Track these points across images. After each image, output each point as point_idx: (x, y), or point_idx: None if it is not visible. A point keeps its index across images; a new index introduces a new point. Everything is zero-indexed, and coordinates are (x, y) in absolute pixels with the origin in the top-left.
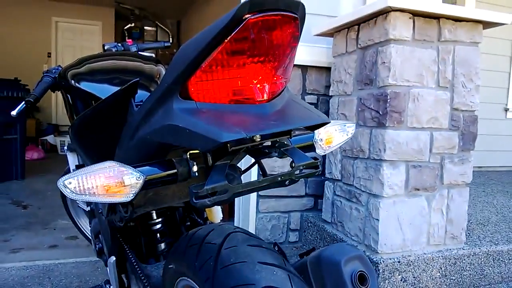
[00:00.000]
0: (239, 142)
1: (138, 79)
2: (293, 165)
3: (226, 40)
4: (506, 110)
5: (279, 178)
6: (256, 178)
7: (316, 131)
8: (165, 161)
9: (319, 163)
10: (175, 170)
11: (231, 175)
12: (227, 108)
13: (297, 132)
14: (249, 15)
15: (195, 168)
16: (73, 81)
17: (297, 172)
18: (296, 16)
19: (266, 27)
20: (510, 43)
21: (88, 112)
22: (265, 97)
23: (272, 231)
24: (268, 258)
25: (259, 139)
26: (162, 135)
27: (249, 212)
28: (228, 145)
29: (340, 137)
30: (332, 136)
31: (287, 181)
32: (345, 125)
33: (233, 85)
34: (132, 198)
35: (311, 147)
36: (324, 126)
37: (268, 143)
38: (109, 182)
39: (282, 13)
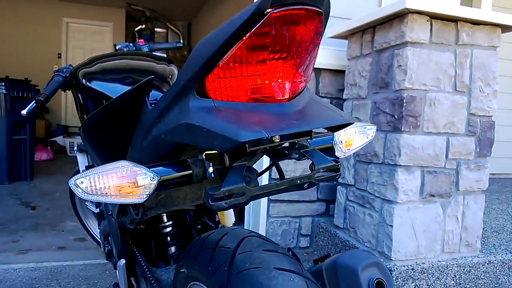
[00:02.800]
0: (257, 142)
1: (152, 76)
2: (313, 167)
3: (246, 36)
4: None
5: (298, 181)
6: (267, 181)
7: (336, 133)
8: (180, 162)
9: (339, 166)
10: (190, 171)
11: (248, 177)
12: (246, 107)
13: (316, 134)
14: (271, 9)
15: (211, 169)
16: (84, 80)
17: (317, 175)
18: (320, 10)
19: (288, 22)
20: None
21: (100, 110)
22: (286, 96)
23: (282, 236)
24: (284, 263)
25: (279, 140)
26: (178, 134)
27: (259, 216)
28: (247, 145)
29: (360, 140)
30: (352, 139)
31: (306, 184)
32: (365, 127)
33: (252, 82)
34: (145, 199)
35: (330, 150)
36: (344, 128)
37: (286, 144)
38: (122, 182)
39: (306, 7)
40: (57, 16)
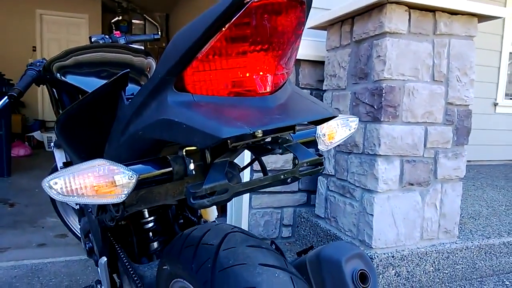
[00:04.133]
0: (239, 138)
1: (128, 70)
2: (297, 162)
3: (225, 26)
4: (495, 104)
5: (282, 176)
6: (249, 173)
7: (318, 126)
8: (160, 159)
9: (323, 160)
10: (170, 169)
11: (230, 173)
12: (226, 101)
13: (298, 127)
14: None
15: (191, 166)
16: (58, 74)
17: (301, 169)
18: (303, 0)
19: (270, 11)
20: (500, 38)
21: (75, 106)
22: (268, 89)
23: (265, 226)
24: (269, 259)
25: (261, 135)
26: (156, 130)
27: (242, 208)
28: (229, 141)
29: (343, 132)
30: (334, 132)
31: (289, 179)
32: (348, 120)
33: (233, 75)
34: (124, 199)
35: (313, 143)
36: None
37: (269, 138)
38: (99, 182)
39: None
40: (30, 8)
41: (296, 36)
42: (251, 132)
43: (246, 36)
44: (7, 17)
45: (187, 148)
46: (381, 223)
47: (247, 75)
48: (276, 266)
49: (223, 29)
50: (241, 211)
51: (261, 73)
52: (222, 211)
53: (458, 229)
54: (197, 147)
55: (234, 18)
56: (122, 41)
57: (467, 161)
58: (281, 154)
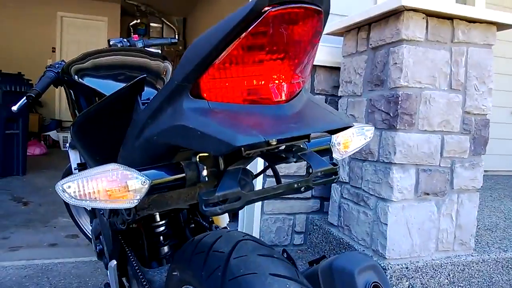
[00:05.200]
0: (254, 145)
1: (145, 75)
2: (311, 170)
3: (242, 35)
4: None
5: (295, 185)
6: (262, 179)
7: (333, 135)
8: (173, 164)
9: (337, 169)
10: (183, 175)
11: (243, 181)
12: (242, 109)
13: (312, 135)
14: (269, 8)
15: (205, 173)
16: (76, 77)
17: (315, 178)
18: (320, 9)
19: (287, 21)
20: None
21: (91, 109)
22: (283, 97)
23: (277, 233)
24: (280, 269)
25: (275, 143)
26: (171, 136)
27: (253, 213)
28: (243, 148)
29: (358, 141)
30: (350, 140)
31: (303, 188)
32: (363, 129)
33: (248, 83)
34: (136, 203)
35: (328, 151)
36: None
37: (283, 146)
38: (112, 186)
39: (305, 5)
40: (52, 10)
41: (312, 45)
42: (265, 140)
43: (262, 45)
44: (29, 19)
45: (200, 154)
46: (395, 233)
47: (263, 83)
48: (287, 276)
49: (240, 37)
50: (253, 217)
51: (277, 81)
52: (234, 216)
53: (475, 241)
54: (212, 154)
55: (251, 27)
56: (139, 44)
57: (485, 171)
58: (295, 162)
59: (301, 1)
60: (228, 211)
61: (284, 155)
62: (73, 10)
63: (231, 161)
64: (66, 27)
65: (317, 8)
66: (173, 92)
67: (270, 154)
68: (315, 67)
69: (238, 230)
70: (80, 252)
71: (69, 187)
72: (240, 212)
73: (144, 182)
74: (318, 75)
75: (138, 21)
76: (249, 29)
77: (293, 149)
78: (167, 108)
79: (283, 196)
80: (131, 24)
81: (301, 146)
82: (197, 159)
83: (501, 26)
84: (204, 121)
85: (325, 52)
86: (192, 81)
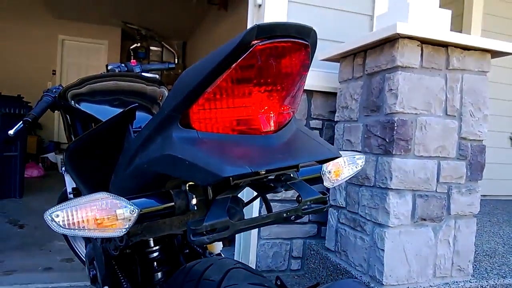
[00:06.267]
0: (242, 175)
1: (136, 104)
2: (300, 199)
3: (231, 67)
4: (511, 138)
5: (285, 215)
6: (259, 204)
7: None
8: (162, 193)
9: (327, 198)
10: (173, 203)
11: (232, 209)
12: (230, 139)
13: (303, 164)
14: (257, 41)
15: (194, 201)
16: (73, 102)
17: (304, 207)
18: (307, 43)
19: (274, 54)
20: None
21: (84, 137)
22: (272, 127)
23: (273, 258)
24: None
25: (264, 173)
26: (160, 165)
27: (250, 238)
28: (231, 178)
29: (349, 170)
30: (341, 169)
31: (293, 217)
32: (354, 157)
33: (237, 114)
34: (125, 232)
35: (318, 179)
36: None
37: (272, 176)
38: (101, 215)
39: (292, 40)
40: (53, 33)
41: (300, 77)
42: (252, 171)
43: (251, 78)
44: (31, 41)
45: (190, 183)
46: (392, 259)
47: (252, 114)
48: None
49: (229, 69)
50: (250, 242)
51: (265, 112)
52: (231, 241)
53: (473, 267)
54: (199, 184)
55: (240, 60)
56: (137, 69)
57: (483, 195)
58: (285, 191)
59: (289, 35)
60: (216, 240)
61: (273, 185)
62: (74, 33)
63: (221, 190)
64: (66, 50)
65: (304, 42)
66: (163, 122)
67: (259, 184)
68: (312, 92)
69: (235, 255)
70: (75, 277)
71: (58, 216)
72: (236, 236)
73: (133, 211)
74: (315, 100)
75: (139, 44)
76: (237, 62)
77: (283, 178)
78: (157, 137)
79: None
80: (131, 47)
81: (291, 175)
82: (187, 188)
83: (495, 54)
84: (192, 151)
85: (322, 77)
86: (181, 111)
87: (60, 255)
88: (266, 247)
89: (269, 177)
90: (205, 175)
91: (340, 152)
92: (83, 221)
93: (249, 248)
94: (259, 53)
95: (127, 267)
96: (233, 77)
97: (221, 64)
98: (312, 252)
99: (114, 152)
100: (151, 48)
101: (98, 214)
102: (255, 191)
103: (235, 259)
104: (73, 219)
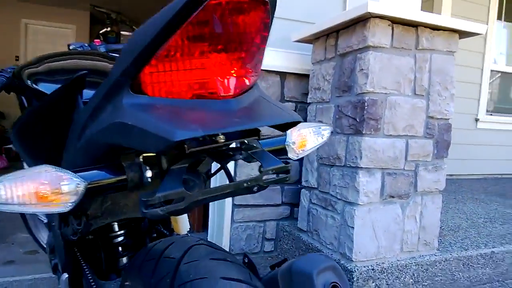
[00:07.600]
0: (199, 143)
1: (85, 72)
2: (261, 169)
3: (183, 24)
4: (477, 120)
5: (245, 184)
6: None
7: (288, 134)
8: (114, 165)
9: (289, 167)
10: (125, 176)
11: (191, 181)
12: (185, 104)
13: (267, 135)
14: None
15: (148, 174)
16: (29, 81)
17: (266, 177)
18: (266, 0)
19: (230, 10)
20: (482, 55)
21: (31, 110)
22: (231, 92)
23: (247, 241)
24: (232, 272)
25: (223, 140)
26: (110, 134)
27: (223, 221)
28: (186, 146)
29: (315, 140)
30: (305, 140)
31: (255, 187)
32: (320, 128)
33: (193, 77)
34: (71, 207)
35: (283, 151)
36: (298, 128)
37: (233, 144)
38: (44, 188)
39: None
40: (16, 17)
41: (261, 38)
42: (205, 134)
43: (205, 36)
44: None
45: (145, 155)
46: (361, 236)
47: (209, 77)
48: (239, 279)
49: (181, 26)
50: (223, 225)
51: (224, 75)
52: (204, 226)
53: (438, 241)
54: (151, 151)
55: (192, 16)
56: (102, 49)
57: (449, 175)
58: (247, 161)
59: None
60: (171, 213)
61: (231, 153)
62: (39, 17)
63: (179, 161)
64: (31, 35)
65: None
66: (112, 88)
67: (218, 152)
68: (285, 74)
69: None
70: (40, 269)
71: None
72: (210, 220)
73: (79, 184)
74: (288, 82)
75: (108, 29)
76: (190, 18)
77: (243, 147)
78: (107, 105)
79: (254, 204)
80: (101, 32)
81: (254, 145)
82: (141, 160)
83: (463, 34)
84: (143, 117)
85: (295, 59)
86: (132, 74)
87: (24, 247)
88: (239, 230)
89: (230, 146)
90: (155, 141)
91: (302, 120)
92: (24, 195)
93: (222, 231)
94: (213, 8)
95: (90, 253)
96: (187, 35)
97: (172, 20)
98: (285, 234)
99: (64, 126)
100: (122, 32)
101: (41, 188)
102: (214, 160)
103: None
104: (12, 192)
